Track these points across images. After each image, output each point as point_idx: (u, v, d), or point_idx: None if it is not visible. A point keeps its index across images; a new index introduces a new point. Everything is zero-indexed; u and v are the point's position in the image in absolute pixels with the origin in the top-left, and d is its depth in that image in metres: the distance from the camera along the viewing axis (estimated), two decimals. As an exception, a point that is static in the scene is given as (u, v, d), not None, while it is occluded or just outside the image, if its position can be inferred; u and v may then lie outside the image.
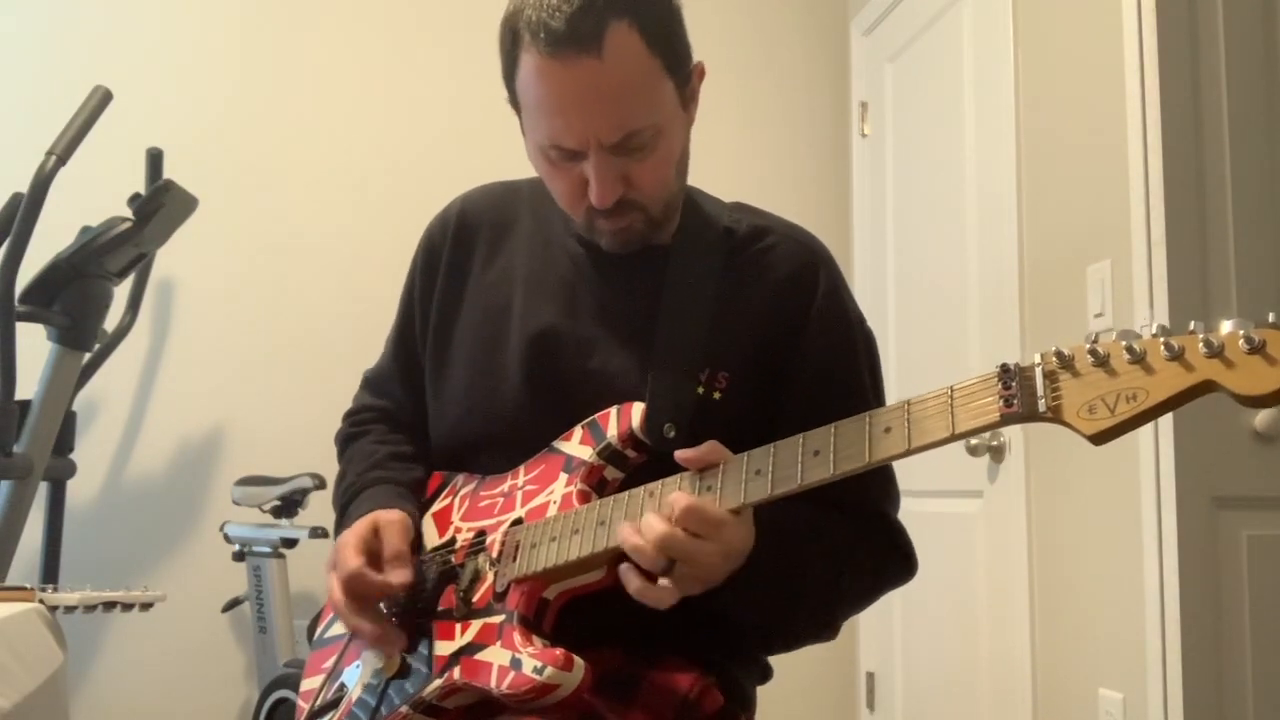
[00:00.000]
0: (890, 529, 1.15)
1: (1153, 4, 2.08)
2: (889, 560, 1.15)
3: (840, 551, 1.08)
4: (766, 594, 1.00)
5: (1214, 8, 2.10)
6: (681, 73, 1.08)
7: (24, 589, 1.56)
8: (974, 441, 2.60)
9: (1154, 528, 2.02)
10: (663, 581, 0.92)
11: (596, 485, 1.06)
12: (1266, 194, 2.09)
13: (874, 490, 1.14)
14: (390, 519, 1.11)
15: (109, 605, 1.99)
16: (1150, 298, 2.05)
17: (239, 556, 2.81)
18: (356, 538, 1.09)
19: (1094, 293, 2.23)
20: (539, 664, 0.95)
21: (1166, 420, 2.00)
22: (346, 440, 1.31)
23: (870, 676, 3.22)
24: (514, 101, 1.10)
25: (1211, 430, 2.00)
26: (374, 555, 1.09)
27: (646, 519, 0.92)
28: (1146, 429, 2.03)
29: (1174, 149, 2.05)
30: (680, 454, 0.96)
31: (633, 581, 0.94)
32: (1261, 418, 2.01)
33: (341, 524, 1.19)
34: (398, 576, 1.07)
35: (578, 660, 0.95)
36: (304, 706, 1.17)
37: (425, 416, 1.25)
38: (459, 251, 1.25)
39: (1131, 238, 2.10)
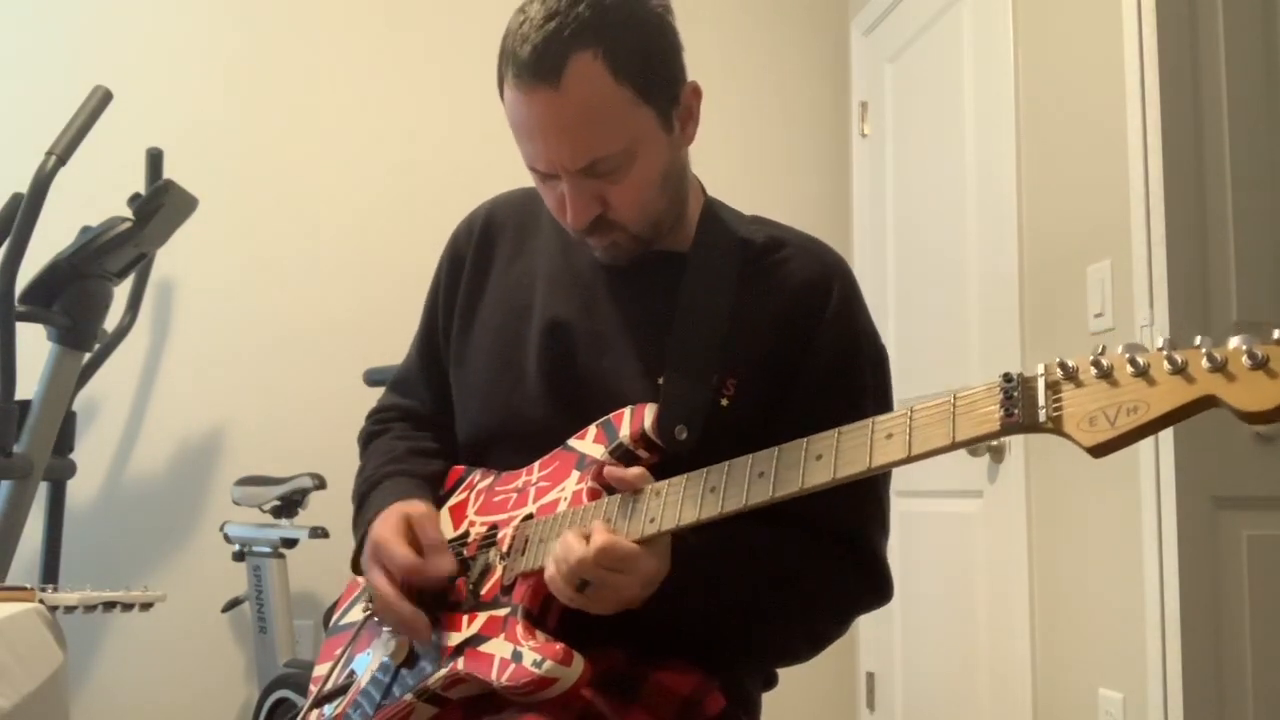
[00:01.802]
0: (867, 556, 1.13)
1: (1153, 4, 2.09)
2: (855, 586, 1.13)
3: (786, 572, 1.08)
4: (688, 616, 1.03)
5: (1214, 8, 2.10)
6: (662, 97, 1.09)
7: (24, 589, 1.56)
8: (974, 441, 2.60)
9: (1154, 528, 2.02)
10: (576, 595, 0.97)
11: (607, 484, 1.07)
12: (1266, 194, 2.09)
13: (860, 516, 1.13)
14: (418, 512, 1.13)
15: (109, 605, 1.99)
16: (1150, 298, 2.05)
17: (239, 556, 2.81)
18: (396, 532, 1.10)
19: (1094, 293, 2.23)
20: (539, 657, 0.96)
21: (1167, 420, 2.00)
22: (369, 438, 1.33)
23: (870, 676, 3.22)
24: None
25: (1211, 430, 2.00)
26: (414, 547, 1.10)
27: (568, 545, 0.96)
28: (1147, 428, 2.03)
29: (1174, 149, 2.06)
30: (609, 471, 1.01)
31: (549, 568, 0.98)
32: (1261, 418, 2.01)
33: (359, 516, 1.21)
34: (445, 565, 1.09)
35: (577, 656, 0.97)
36: (313, 690, 1.18)
37: (449, 416, 1.27)
38: (483, 253, 1.27)
39: (1131, 238, 2.10)
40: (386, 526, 1.11)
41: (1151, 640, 2.01)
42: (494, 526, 1.13)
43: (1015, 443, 2.51)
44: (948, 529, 2.75)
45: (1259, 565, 1.99)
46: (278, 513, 2.77)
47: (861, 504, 1.13)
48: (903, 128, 3.22)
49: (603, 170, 1.07)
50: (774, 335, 1.13)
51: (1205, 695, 1.95)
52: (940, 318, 2.90)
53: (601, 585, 0.95)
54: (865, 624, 3.23)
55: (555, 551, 0.98)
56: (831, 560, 1.11)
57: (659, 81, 1.08)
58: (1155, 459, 2.03)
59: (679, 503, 0.96)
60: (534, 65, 1.02)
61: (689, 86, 1.13)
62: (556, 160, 1.06)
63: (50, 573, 2.65)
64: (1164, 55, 2.08)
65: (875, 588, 1.14)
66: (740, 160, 3.36)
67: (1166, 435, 2.00)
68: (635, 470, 1.00)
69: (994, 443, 2.57)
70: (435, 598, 1.11)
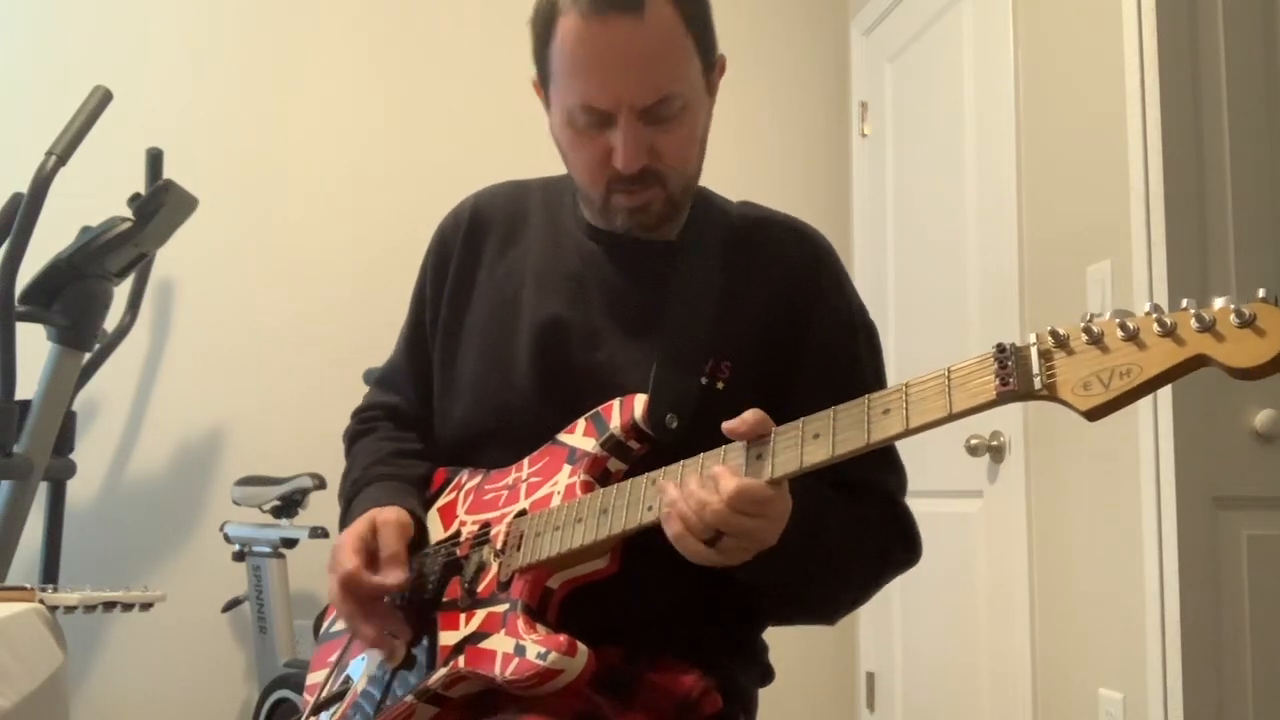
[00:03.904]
0: (897, 510, 1.16)
1: (1153, 4, 2.09)
2: (894, 541, 1.15)
3: (850, 526, 1.09)
4: (785, 560, 0.99)
5: (1214, 8, 2.10)
6: (709, 57, 1.12)
7: (24, 589, 1.56)
8: (974, 441, 2.60)
9: (1154, 528, 2.02)
10: (708, 550, 0.92)
11: (600, 476, 1.07)
12: (1266, 194, 2.09)
13: (881, 473, 1.15)
14: (387, 518, 1.11)
15: (109, 605, 1.99)
16: (1150, 298, 2.05)
17: (239, 556, 2.81)
18: (354, 537, 1.10)
19: (1094, 293, 2.23)
20: (543, 650, 0.96)
21: (1166, 420, 2.00)
22: (354, 437, 1.32)
23: (870, 676, 3.22)
24: (543, 75, 1.12)
25: (1211, 430, 2.00)
26: (372, 555, 1.09)
27: (697, 494, 0.92)
28: (1147, 429, 2.03)
29: (1174, 149, 2.06)
30: (728, 426, 0.94)
31: (674, 526, 0.93)
32: (1261, 418, 2.01)
33: (345, 520, 1.20)
34: (392, 578, 1.07)
35: (581, 646, 0.96)
36: (309, 699, 1.17)
37: (434, 414, 1.26)
38: (470, 247, 1.26)
39: (1131, 238, 2.10)
40: (349, 532, 1.11)
41: (1151, 640, 2.01)
42: (486, 524, 1.12)
43: (1015, 443, 2.51)
44: (948, 529, 2.75)
45: (1259, 565, 1.99)
46: (278, 513, 2.77)
47: (888, 467, 1.16)
48: (903, 128, 3.22)
49: (663, 113, 1.07)
50: (766, 317, 1.14)
51: (1205, 695, 1.94)
52: (940, 318, 2.90)
53: (737, 534, 0.91)
54: (865, 624, 3.23)
55: (677, 509, 0.92)
56: (881, 520, 1.13)
57: (709, 41, 1.12)
58: (1155, 459, 2.03)
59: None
60: None
61: (720, 57, 1.15)
62: (626, 94, 1.05)
63: (50, 573, 2.65)
64: (1164, 55, 2.07)
65: (910, 547, 1.17)
66: (740, 160, 3.36)
67: (1166, 435, 2.00)
68: (754, 414, 0.94)
69: (994, 443, 2.57)
70: (429, 598, 1.11)
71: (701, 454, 0.98)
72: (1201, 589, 1.97)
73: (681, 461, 0.99)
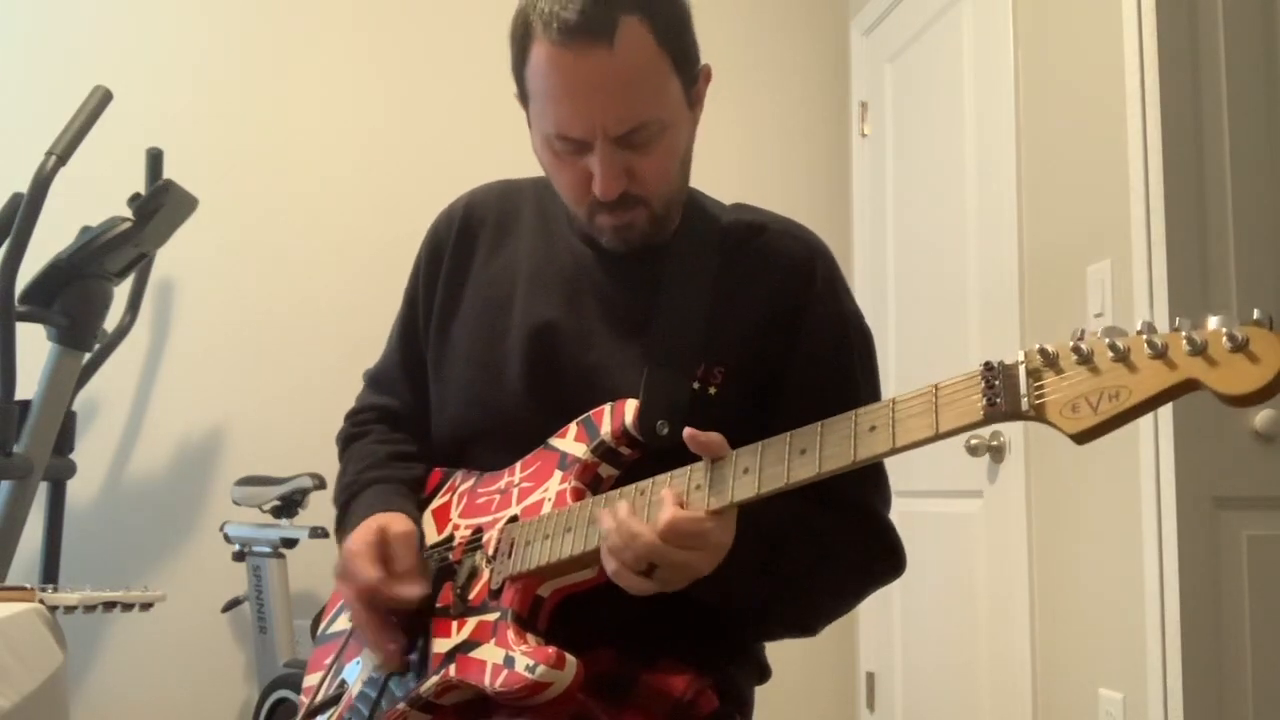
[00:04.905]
0: (877, 525, 1.14)
1: (1153, 4, 2.09)
2: (874, 555, 1.14)
3: (821, 543, 1.07)
4: (741, 582, 0.99)
5: (1214, 8, 2.10)
6: (689, 73, 1.10)
7: (24, 589, 1.56)
8: (974, 441, 2.60)
9: (1154, 528, 2.02)
10: (643, 580, 0.92)
11: (590, 483, 1.06)
12: (1266, 194, 2.09)
13: (864, 487, 1.13)
14: (398, 530, 1.10)
15: (109, 605, 1.99)
16: (1150, 298, 2.05)
17: (239, 556, 2.81)
18: (367, 546, 1.08)
19: (1094, 293, 2.23)
20: (531, 662, 0.95)
21: (1166, 420, 2.00)
22: (348, 440, 1.31)
23: (870, 676, 3.22)
24: (522, 94, 1.11)
25: (1211, 430, 2.00)
26: (386, 565, 1.08)
27: (630, 526, 0.92)
28: (1147, 429, 2.03)
29: (1174, 149, 2.06)
30: (688, 432, 0.94)
31: (611, 564, 0.94)
32: (1262, 418, 2.01)
33: (342, 523, 1.19)
34: (413, 590, 1.06)
35: (570, 659, 0.96)
36: (305, 701, 1.17)
37: (429, 413, 1.26)
38: (462, 247, 1.25)
39: (1131, 238, 2.10)
40: (359, 540, 1.09)
41: (1151, 640, 2.01)
42: (478, 530, 1.11)
43: (1015, 443, 2.51)
44: (948, 529, 2.75)
45: (1259, 565, 1.99)
46: (278, 513, 2.77)
47: (872, 481, 1.14)
48: (903, 128, 3.21)
49: (639, 140, 1.05)
50: (759, 321, 1.13)
51: (1205, 695, 1.94)
52: (940, 318, 2.90)
53: (670, 566, 0.91)
54: (865, 624, 3.23)
55: (610, 541, 0.93)
56: (859, 536, 1.11)
57: (688, 56, 1.09)
58: (1155, 459, 2.02)
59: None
60: (585, 25, 1.00)
61: (704, 68, 1.14)
62: (600, 123, 1.03)
63: (50, 573, 2.65)
64: (1164, 55, 2.07)
65: (893, 562, 1.15)
66: (740, 160, 3.36)
67: (1166, 435, 2.00)
68: (715, 435, 0.94)
69: (994, 443, 2.57)
70: (423, 604, 1.10)
71: (658, 476, 0.97)
72: (1201, 589, 1.96)
73: (638, 483, 0.98)
